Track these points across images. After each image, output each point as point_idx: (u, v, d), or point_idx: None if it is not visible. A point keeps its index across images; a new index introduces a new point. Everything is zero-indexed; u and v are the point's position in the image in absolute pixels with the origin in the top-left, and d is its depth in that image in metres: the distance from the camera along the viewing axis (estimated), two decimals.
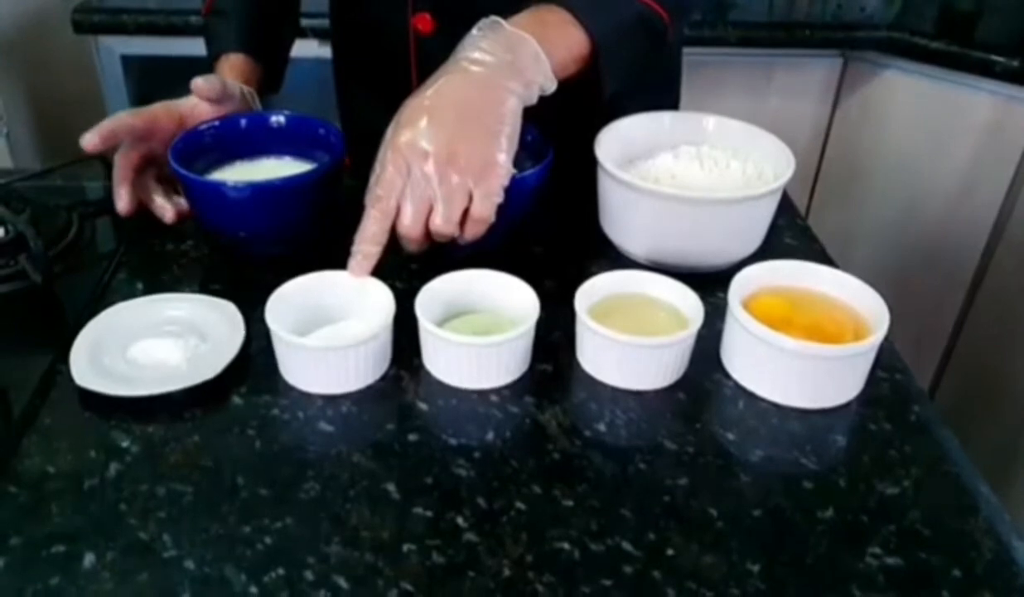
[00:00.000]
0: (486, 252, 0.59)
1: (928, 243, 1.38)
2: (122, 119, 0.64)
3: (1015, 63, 1.19)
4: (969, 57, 1.24)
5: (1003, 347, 1.33)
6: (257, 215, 0.61)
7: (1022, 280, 1.28)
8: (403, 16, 0.73)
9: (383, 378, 0.53)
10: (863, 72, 1.38)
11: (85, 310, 0.57)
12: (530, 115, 0.70)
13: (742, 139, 0.68)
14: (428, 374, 0.54)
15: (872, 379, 0.54)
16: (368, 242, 0.55)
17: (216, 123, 0.67)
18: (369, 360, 0.52)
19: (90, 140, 0.62)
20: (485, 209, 0.55)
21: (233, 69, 0.72)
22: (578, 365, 0.55)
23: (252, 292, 0.56)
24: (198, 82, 0.66)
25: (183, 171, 0.60)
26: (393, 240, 0.56)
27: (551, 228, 0.70)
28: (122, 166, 0.65)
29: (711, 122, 0.70)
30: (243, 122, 0.68)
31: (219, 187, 0.61)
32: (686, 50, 1.35)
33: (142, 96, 1.39)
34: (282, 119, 0.69)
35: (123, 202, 0.65)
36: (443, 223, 0.54)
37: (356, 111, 0.86)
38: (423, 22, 0.72)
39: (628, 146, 0.67)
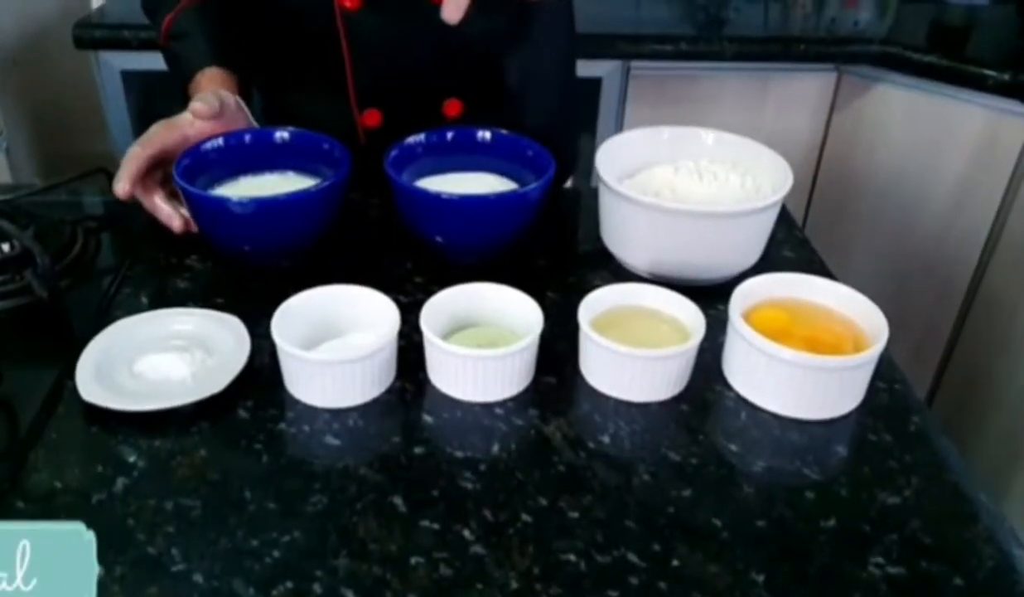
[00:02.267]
0: (490, 265, 0.60)
1: (923, 254, 1.39)
2: (137, 154, 0.64)
3: (1006, 77, 1.21)
4: (961, 71, 1.25)
5: (999, 357, 1.34)
6: (262, 230, 0.62)
7: (1017, 289, 1.29)
8: None
9: (389, 391, 0.54)
10: (857, 85, 1.39)
11: (91, 325, 0.57)
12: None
13: (740, 153, 0.69)
14: (433, 387, 0.54)
15: (871, 390, 0.54)
16: None
17: (220, 140, 0.68)
18: (374, 373, 0.52)
19: (123, 189, 0.63)
20: None
21: (213, 82, 0.72)
22: (582, 377, 0.55)
23: (257, 306, 0.57)
24: (196, 107, 0.66)
25: (188, 187, 0.61)
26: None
27: (553, 241, 0.70)
28: (148, 195, 0.65)
29: (710, 136, 0.71)
30: (247, 138, 0.69)
31: (224, 203, 0.61)
32: (683, 64, 1.37)
33: (142, 111, 1.39)
34: (286, 134, 0.69)
35: (177, 221, 0.66)
36: None
37: (286, 99, 0.84)
38: None
39: (628, 160, 0.68)
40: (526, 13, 0.61)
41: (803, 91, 1.42)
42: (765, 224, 0.64)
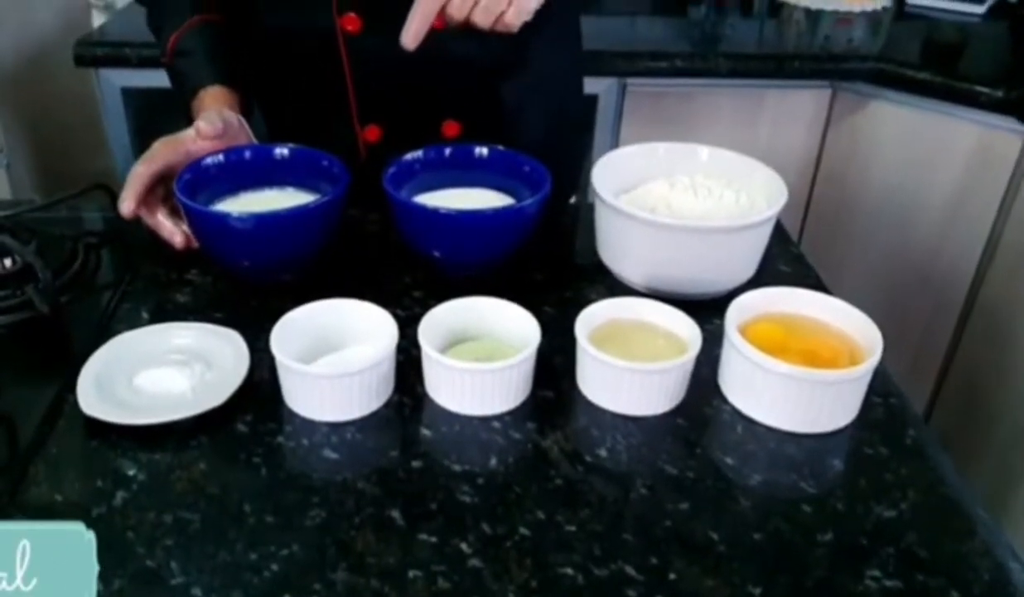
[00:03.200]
0: (487, 279, 0.60)
1: (918, 269, 1.40)
2: (141, 173, 0.65)
3: (999, 93, 1.22)
4: (955, 87, 1.26)
5: (996, 370, 1.34)
6: (261, 245, 0.62)
7: (1013, 304, 1.30)
8: (328, 17, 0.73)
9: (386, 405, 0.54)
10: (851, 102, 1.40)
11: (91, 339, 0.58)
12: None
13: (735, 169, 0.70)
14: (431, 401, 0.54)
15: (867, 404, 0.54)
16: (421, 16, 0.59)
17: (221, 156, 0.68)
18: (372, 387, 0.53)
19: (128, 208, 0.64)
20: (515, 19, 0.62)
21: (216, 100, 0.73)
22: (579, 391, 0.56)
23: (257, 320, 0.57)
24: (200, 126, 0.67)
25: (189, 202, 0.61)
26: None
27: (550, 256, 0.71)
28: (151, 212, 0.66)
29: (705, 152, 0.71)
30: (248, 154, 0.69)
31: (224, 218, 0.62)
32: (679, 80, 1.38)
33: (142, 128, 1.40)
34: (286, 151, 0.70)
35: (179, 238, 0.66)
36: (482, 16, 0.60)
37: (287, 121, 0.86)
38: (350, 22, 0.73)
39: (624, 176, 0.69)
40: (524, 34, 0.63)
41: (798, 107, 1.43)
42: (760, 239, 0.65)
